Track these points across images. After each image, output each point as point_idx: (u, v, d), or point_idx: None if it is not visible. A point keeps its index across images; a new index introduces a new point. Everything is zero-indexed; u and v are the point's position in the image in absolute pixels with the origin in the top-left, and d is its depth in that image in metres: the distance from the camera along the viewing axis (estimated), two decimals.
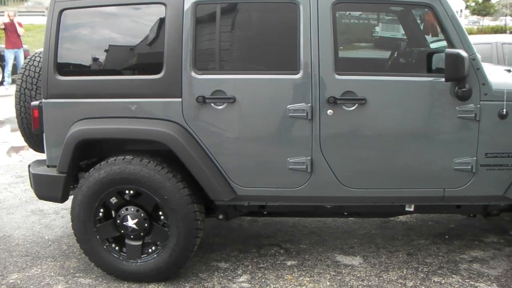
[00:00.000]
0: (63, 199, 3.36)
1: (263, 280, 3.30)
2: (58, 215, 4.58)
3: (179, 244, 3.15)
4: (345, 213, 3.45)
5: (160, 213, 3.18)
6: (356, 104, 3.03)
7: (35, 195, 3.54)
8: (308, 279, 3.29)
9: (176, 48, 3.08)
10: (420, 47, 3.37)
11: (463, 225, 4.09)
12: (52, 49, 3.23)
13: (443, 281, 3.21)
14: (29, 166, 3.55)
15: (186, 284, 3.26)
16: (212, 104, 3.09)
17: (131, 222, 3.18)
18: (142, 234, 3.22)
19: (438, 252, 3.60)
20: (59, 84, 3.24)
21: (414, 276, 3.28)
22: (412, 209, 3.32)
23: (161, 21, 3.13)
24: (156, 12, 3.15)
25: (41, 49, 3.55)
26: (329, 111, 3.04)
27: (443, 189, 3.11)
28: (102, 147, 3.44)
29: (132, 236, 3.23)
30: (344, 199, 3.21)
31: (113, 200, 3.20)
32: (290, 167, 3.11)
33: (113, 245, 3.29)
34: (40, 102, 3.32)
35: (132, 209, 3.20)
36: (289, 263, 3.52)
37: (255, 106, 3.09)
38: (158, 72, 3.13)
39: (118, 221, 3.22)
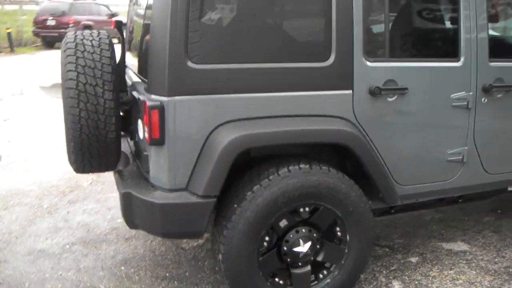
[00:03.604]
0: (203, 233, 2.50)
1: (415, 282, 3.07)
2: (74, 254, 3.48)
3: (360, 260, 2.71)
4: (460, 200, 3.44)
5: (338, 228, 2.66)
6: (504, 91, 3.04)
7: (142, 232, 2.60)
8: (451, 271, 3.20)
9: (346, 30, 2.58)
10: None
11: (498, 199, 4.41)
12: (182, 25, 2.33)
13: None
14: (128, 194, 2.51)
15: None
16: (385, 96, 2.71)
17: (303, 247, 2.58)
18: (312, 258, 2.64)
19: None
20: (194, 75, 2.38)
21: None
22: None
23: None
24: None
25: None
26: (483, 99, 2.98)
27: None
28: None
29: (300, 264, 2.62)
30: (484, 186, 3.19)
31: (283, 223, 2.54)
32: (448, 159, 2.96)
33: (277, 279, 2.62)
34: (161, 102, 2.37)
35: (304, 230, 2.59)
36: (412, 260, 3.35)
37: (424, 97, 2.83)
38: (324, 59, 2.57)
39: (285, 248, 2.57)
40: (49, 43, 17.70)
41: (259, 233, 2.47)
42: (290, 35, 2.61)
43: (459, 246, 3.56)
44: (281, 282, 2.64)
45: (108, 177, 4.81)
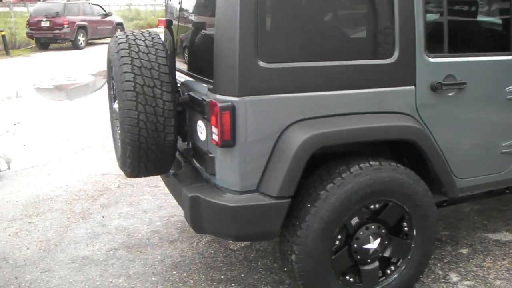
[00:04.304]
0: (277, 234, 2.48)
1: (472, 273, 3.09)
2: (120, 260, 3.42)
3: (425, 254, 2.72)
4: (507, 191, 3.46)
5: (405, 224, 2.66)
6: None
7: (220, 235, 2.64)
8: (504, 262, 3.22)
9: (408, 27, 2.57)
10: None
11: None
12: (251, 24, 2.30)
13: None
14: (195, 197, 2.46)
15: None
16: (446, 91, 2.70)
17: (373, 243, 2.58)
18: (380, 254, 2.64)
19: None
20: (264, 74, 2.35)
21: None
22: None
23: None
24: None
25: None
26: None
27: None
28: None
29: (369, 260, 2.62)
30: None
31: (354, 220, 2.53)
32: (503, 151, 2.98)
33: (347, 277, 2.61)
34: (232, 102, 2.34)
35: (373, 227, 2.59)
36: (463, 251, 3.36)
37: (481, 90, 2.83)
38: (388, 56, 2.56)
39: (356, 246, 2.57)
40: (44, 44, 17.44)
41: (333, 231, 2.46)
42: (357, 33, 2.61)
43: (505, 236, 3.59)
44: (351, 279, 2.63)
45: (136, 179, 4.75)
